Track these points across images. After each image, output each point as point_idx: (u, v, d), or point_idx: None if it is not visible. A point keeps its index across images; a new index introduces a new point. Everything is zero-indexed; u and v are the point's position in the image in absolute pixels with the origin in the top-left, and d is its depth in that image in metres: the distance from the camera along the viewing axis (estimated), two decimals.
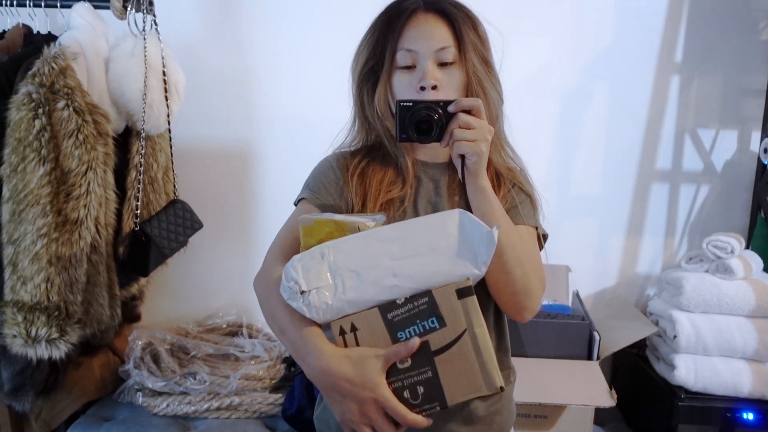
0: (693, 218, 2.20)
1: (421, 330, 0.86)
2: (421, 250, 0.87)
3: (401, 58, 1.01)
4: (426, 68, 1.00)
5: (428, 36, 1.02)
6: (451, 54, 1.02)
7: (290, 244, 0.99)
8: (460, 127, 0.93)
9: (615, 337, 1.86)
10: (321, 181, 1.07)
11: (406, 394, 0.86)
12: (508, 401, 1.12)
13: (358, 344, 0.87)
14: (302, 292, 0.86)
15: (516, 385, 1.73)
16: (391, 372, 0.86)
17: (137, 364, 1.84)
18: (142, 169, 1.73)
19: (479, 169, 0.94)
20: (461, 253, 0.86)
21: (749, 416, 1.71)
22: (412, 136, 0.95)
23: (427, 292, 0.86)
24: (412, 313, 0.86)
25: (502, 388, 0.85)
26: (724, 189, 2.18)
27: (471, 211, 0.93)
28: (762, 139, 2.09)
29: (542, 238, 1.10)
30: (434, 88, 1.00)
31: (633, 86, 2.14)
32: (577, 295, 2.07)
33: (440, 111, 0.94)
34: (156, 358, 1.87)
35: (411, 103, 0.95)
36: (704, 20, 2.10)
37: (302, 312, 0.87)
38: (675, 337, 1.76)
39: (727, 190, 2.17)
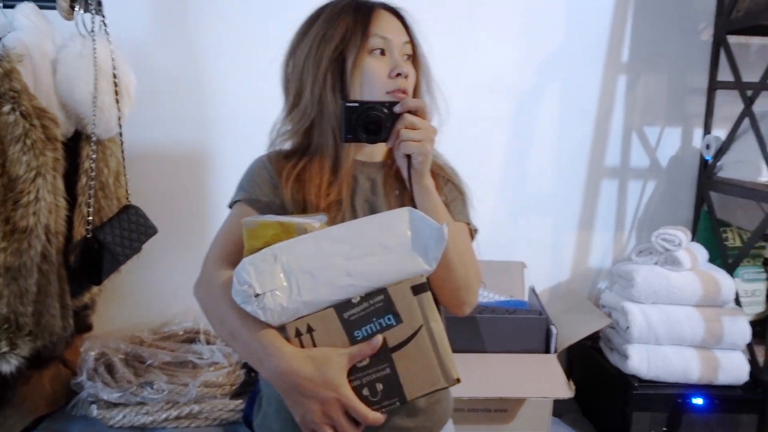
0: (641, 213, 2.28)
1: (378, 328, 0.87)
2: (374, 249, 0.87)
3: (375, 42, 1.03)
4: (399, 57, 1.03)
5: (397, 28, 1.06)
6: (410, 50, 1.07)
7: (231, 248, 0.98)
8: (406, 128, 0.94)
9: (571, 330, 1.91)
10: (256, 182, 1.06)
11: (366, 392, 0.87)
12: (446, 390, 1.15)
13: (315, 345, 0.87)
14: (256, 295, 0.85)
15: (477, 380, 1.77)
16: (351, 371, 0.86)
17: (90, 376, 1.78)
18: (93, 174, 1.68)
19: (425, 169, 0.97)
20: (413, 250, 0.87)
21: (698, 401, 1.79)
22: (360, 137, 0.96)
23: (383, 290, 0.87)
24: (368, 312, 0.87)
25: (458, 380, 0.87)
26: (669, 184, 2.27)
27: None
28: (704, 136, 2.18)
29: (473, 234, 1.14)
30: (406, 77, 1.03)
31: (583, 86, 2.21)
32: (533, 290, 2.12)
33: (386, 111, 0.96)
34: (110, 369, 1.82)
35: (357, 104, 0.96)
36: (648, 21, 2.18)
37: (257, 315, 0.86)
38: (628, 328, 1.82)
39: (673, 185, 2.26)
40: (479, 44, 2.15)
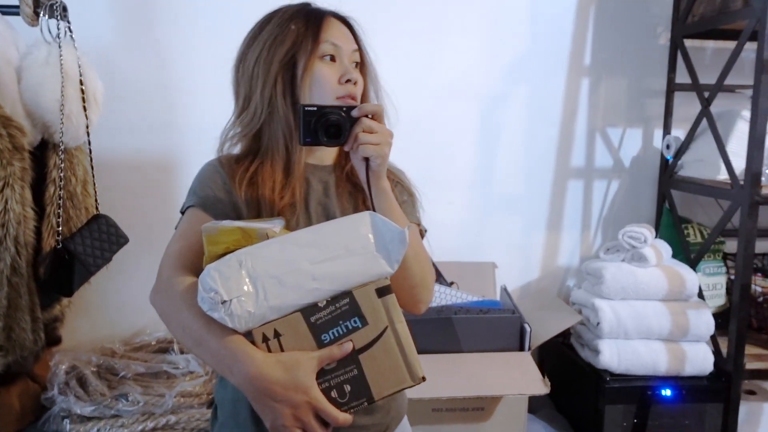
0: (606, 211, 2.35)
1: (345, 330, 0.88)
2: (338, 253, 0.88)
3: (326, 48, 1.05)
4: (348, 64, 1.06)
5: (346, 36, 1.08)
6: (359, 57, 1.09)
7: (187, 255, 0.98)
8: (364, 131, 0.96)
9: (543, 328, 1.95)
10: (209, 186, 1.05)
11: (334, 393, 0.88)
12: None
13: (282, 350, 0.87)
14: (223, 302, 0.84)
15: (454, 380, 1.79)
16: (319, 374, 0.87)
17: (62, 390, 1.73)
18: (62, 183, 1.64)
19: (382, 171, 0.99)
20: (376, 253, 0.89)
21: (667, 392, 1.85)
22: (321, 140, 0.98)
23: (348, 293, 0.88)
24: (334, 315, 0.88)
25: (424, 378, 0.89)
26: (632, 183, 2.34)
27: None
28: (664, 136, 2.26)
29: (423, 234, 1.16)
30: (355, 83, 1.06)
31: (548, 89, 2.26)
32: (505, 289, 2.16)
33: (344, 115, 0.98)
34: (82, 382, 1.78)
35: (315, 108, 0.97)
36: (609, 27, 2.25)
37: (224, 322, 0.85)
38: (598, 323, 1.87)
39: (635, 184, 2.34)
40: (447, 50, 2.19)
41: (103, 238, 1.72)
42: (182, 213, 1.08)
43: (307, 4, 1.11)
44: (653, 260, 1.91)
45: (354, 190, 1.11)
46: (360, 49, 1.10)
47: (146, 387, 1.78)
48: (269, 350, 0.87)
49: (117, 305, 2.11)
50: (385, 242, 0.89)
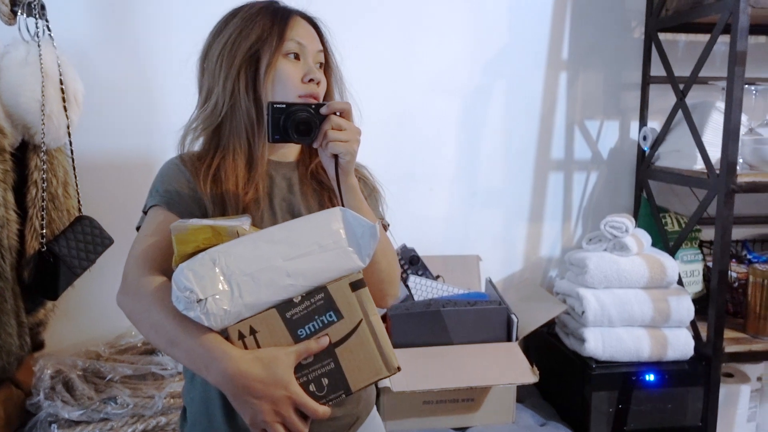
0: (585, 202, 2.39)
1: (320, 325, 0.89)
2: (311, 249, 0.89)
3: (290, 46, 1.06)
4: (312, 63, 1.07)
5: (312, 36, 1.10)
6: (323, 58, 1.12)
7: (154, 255, 0.97)
8: (332, 129, 0.98)
9: (529, 318, 1.98)
10: (172, 185, 1.05)
11: (312, 387, 0.89)
12: None
13: (259, 346, 0.88)
14: (198, 301, 0.84)
15: (444, 372, 1.81)
16: (296, 368, 0.88)
17: (48, 395, 1.70)
18: (44, 185, 1.61)
19: (351, 168, 1.01)
20: (348, 248, 0.90)
21: (650, 377, 1.90)
22: (291, 137, 0.99)
23: (323, 288, 0.89)
24: (309, 310, 0.89)
25: (399, 368, 0.91)
26: (610, 174, 2.39)
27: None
28: (640, 128, 2.31)
29: (386, 228, 1.18)
30: (318, 83, 1.07)
31: (527, 83, 2.29)
32: (490, 281, 2.18)
33: (313, 113, 0.99)
34: (69, 386, 1.75)
35: (284, 105, 0.99)
36: (585, 21, 2.29)
37: (200, 321, 0.85)
38: (583, 312, 1.91)
39: (613, 175, 2.39)
40: (427, 45, 2.20)
41: (87, 240, 1.70)
42: (144, 212, 1.07)
43: (275, 2, 1.12)
44: (635, 249, 1.96)
45: (319, 187, 1.12)
46: (325, 50, 1.12)
47: (134, 389, 1.76)
48: (245, 347, 0.88)
49: (101, 308, 2.08)
50: (356, 237, 0.91)
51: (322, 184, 1.12)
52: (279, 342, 0.88)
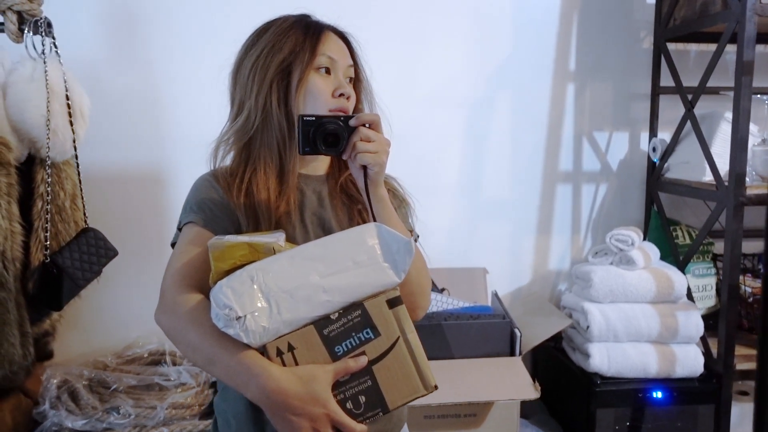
0: (595, 215, 2.36)
1: (358, 342, 0.89)
2: (347, 265, 0.89)
3: (322, 61, 1.06)
4: (342, 78, 1.08)
5: (343, 51, 1.10)
6: (353, 73, 1.12)
7: (190, 271, 0.98)
8: (361, 140, 0.98)
9: (534, 333, 1.95)
10: (205, 202, 1.05)
11: (349, 405, 0.89)
12: None
13: (296, 363, 0.88)
14: (238, 318, 0.85)
15: (446, 386, 1.79)
16: (334, 386, 0.88)
17: (54, 404, 1.74)
18: (49, 198, 1.65)
19: (380, 179, 1.01)
20: (383, 264, 0.90)
21: (658, 394, 1.85)
22: (319, 149, 0.99)
23: (360, 305, 0.89)
24: (347, 327, 0.89)
25: (436, 387, 0.90)
26: (620, 186, 2.35)
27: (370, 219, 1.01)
28: (650, 139, 2.27)
29: (415, 240, 1.17)
30: (348, 98, 1.07)
31: (533, 94, 2.28)
32: (495, 295, 2.16)
33: (342, 125, 0.99)
34: (74, 396, 1.78)
35: (314, 118, 0.99)
36: (593, 32, 2.27)
37: (239, 338, 0.86)
38: (588, 327, 1.88)
39: (623, 187, 2.35)
40: (432, 58, 2.21)
41: (91, 252, 1.73)
42: (179, 229, 1.07)
43: (307, 16, 1.12)
44: (641, 263, 1.92)
45: (348, 201, 1.12)
46: (356, 65, 1.12)
47: (138, 399, 1.78)
48: (284, 364, 0.88)
49: (109, 318, 2.12)
50: (392, 252, 0.91)
51: (352, 198, 1.12)
52: (316, 359, 0.88)
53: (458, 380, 1.79)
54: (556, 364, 2.09)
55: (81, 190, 1.80)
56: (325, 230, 1.08)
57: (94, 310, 2.07)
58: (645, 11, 2.27)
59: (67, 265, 1.66)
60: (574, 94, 2.30)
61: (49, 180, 1.66)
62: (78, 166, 1.78)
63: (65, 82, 1.66)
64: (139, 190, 2.09)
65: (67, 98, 1.67)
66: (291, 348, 0.88)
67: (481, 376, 1.81)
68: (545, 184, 2.32)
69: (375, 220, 1.00)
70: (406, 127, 2.22)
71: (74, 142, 1.71)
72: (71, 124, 1.69)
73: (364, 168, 0.99)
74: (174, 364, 1.98)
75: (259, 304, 0.86)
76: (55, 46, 1.68)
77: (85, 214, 1.80)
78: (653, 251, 2.01)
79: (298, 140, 1.00)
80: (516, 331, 1.87)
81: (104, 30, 2.04)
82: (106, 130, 2.00)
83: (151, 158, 2.09)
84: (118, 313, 2.11)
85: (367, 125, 1.00)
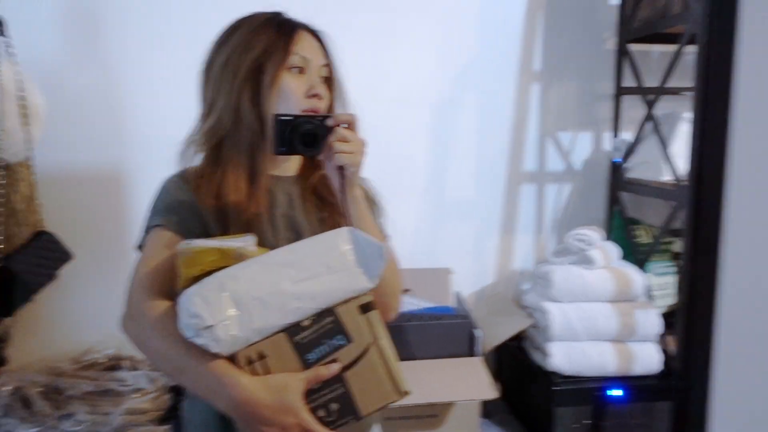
0: (559, 215, 2.37)
1: (330, 349, 0.88)
2: (319, 270, 0.88)
3: (295, 60, 1.04)
4: (316, 78, 1.06)
5: (316, 50, 1.08)
6: (327, 72, 1.09)
7: (158, 277, 0.95)
8: (338, 141, 0.97)
9: (496, 333, 1.96)
10: (174, 204, 1.02)
11: (322, 412, 0.88)
12: None
13: (267, 371, 0.87)
14: (207, 327, 0.83)
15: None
16: (306, 394, 0.87)
17: (5, 412, 1.70)
18: (2, 200, 1.62)
19: (356, 180, 1.00)
20: (356, 269, 0.89)
21: (617, 392, 1.87)
22: (296, 149, 0.98)
23: (332, 311, 0.88)
24: (318, 333, 0.88)
25: (408, 392, 0.90)
26: (584, 186, 2.37)
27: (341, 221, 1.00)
28: (613, 139, 2.29)
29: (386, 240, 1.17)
30: (321, 98, 1.06)
31: (498, 94, 2.29)
32: (459, 295, 2.16)
33: (319, 125, 0.99)
34: (27, 403, 1.74)
35: (291, 117, 0.98)
36: (557, 32, 2.28)
37: (208, 348, 0.84)
38: (548, 326, 1.89)
39: (587, 187, 2.37)
40: (398, 58, 2.20)
41: (45, 255, 1.70)
42: (146, 233, 1.03)
43: (279, 14, 1.10)
44: (601, 262, 1.94)
45: (320, 203, 1.10)
46: (329, 65, 1.10)
47: (94, 406, 1.75)
48: (254, 372, 0.87)
49: (66, 323, 2.08)
50: (365, 257, 0.90)
51: (324, 199, 1.10)
52: (287, 367, 0.87)
53: (419, 381, 1.79)
54: (518, 363, 2.10)
55: (37, 192, 1.76)
56: (296, 232, 1.06)
57: (52, 314, 2.03)
58: (609, 12, 2.29)
59: (20, 269, 1.63)
60: (539, 94, 2.31)
61: (3, 182, 1.63)
62: (34, 168, 1.75)
63: (19, 81, 1.63)
64: (97, 192, 2.06)
65: (22, 99, 1.64)
66: (262, 356, 0.87)
67: (442, 377, 1.81)
68: (510, 185, 2.33)
69: (350, 222, 0.99)
70: (372, 127, 2.21)
71: (29, 143, 1.68)
72: (26, 124, 1.65)
73: (341, 168, 0.98)
74: (134, 369, 1.95)
75: (229, 313, 0.84)
76: (9, 45, 1.64)
77: (40, 216, 1.77)
78: (613, 251, 2.02)
79: (275, 140, 0.99)
80: (476, 331, 1.87)
81: (62, 29, 2.00)
82: (64, 131, 1.97)
83: (110, 159, 2.06)
84: (76, 318, 2.08)
85: (344, 125, 0.99)
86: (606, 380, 1.88)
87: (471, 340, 1.88)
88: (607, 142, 2.35)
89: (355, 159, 0.98)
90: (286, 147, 0.99)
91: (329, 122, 0.99)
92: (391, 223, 2.38)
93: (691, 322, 1.85)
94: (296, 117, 0.98)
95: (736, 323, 1.83)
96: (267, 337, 0.87)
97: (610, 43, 2.32)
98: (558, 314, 1.88)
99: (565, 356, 1.87)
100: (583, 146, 2.36)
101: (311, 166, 1.12)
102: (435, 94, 2.25)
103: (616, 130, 2.30)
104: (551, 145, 2.34)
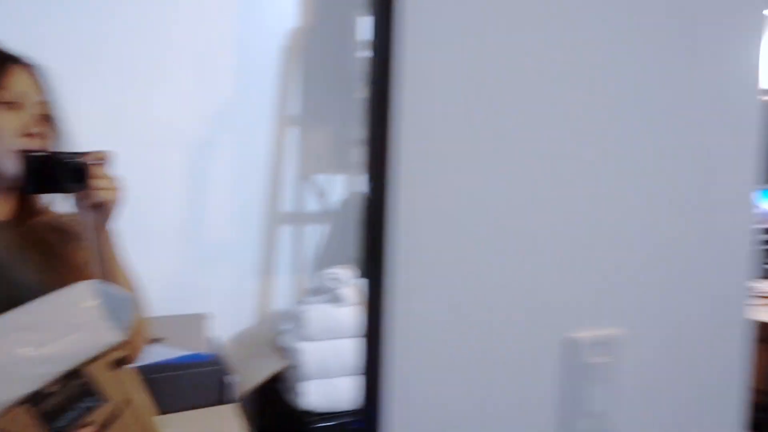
0: (318, 254, 2.44)
1: (82, 412, 0.83)
2: (63, 331, 0.82)
3: (4, 96, 0.96)
4: (31, 116, 0.98)
5: (32, 85, 1.01)
6: (46, 109, 1.02)
7: None
8: (97, 177, 0.95)
9: (252, 376, 1.94)
10: None
11: None
12: None
13: None
14: None
15: None
16: None
17: None
18: None
19: (112, 217, 0.98)
20: (104, 323, 0.85)
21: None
22: (61, 187, 0.95)
23: (80, 372, 0.83)
24: (68, 397, 0.82)
25: None
26: (341, 226, 2.48)
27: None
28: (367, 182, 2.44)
29: None
30: (39, 137, 0.99)
31: (256, 137, 2.31)
32: (215, 340, 2.10)
33: (74, 162, 0.96)
34: None
35: (45, 154, 0.94)
36: (314, 80, 2.39)
37: None
38: (302, 366, 1.91)
39: (343, 227, 2.48)
40: (150, 97, 2.12)
41: None
42: None
43: None
44: (351, 299, 2.02)
45: (44, 248, 1.00)
46: (48, 101, 1.02)
47: None
48: None
49: None
50: (113, 310, 0.86)
51: (51, 245, 1.02)
52: None
53: None
54: (277, 405, 2.09)
55: None
56: (17, 288, 0.93)
57: None
58: (358, 65, 2.45)
59: None
60: (298, 138, 2.38)
61: None
62: None
63: None
64: None
65: None
66: None
67: (190, 430, 1.72)
68: (269, 226, 2.35)
69: (100, 266, 0.96)
70: (122, 168, 2.09)
71: None
72: None
73: (97, 206, 0.95)
74: None
75: None
76: None
77: None
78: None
79: (27, 178, 0.92)
80: (228, 377, 1.83)
81: None
82: None
83: None
84: None
85: (97, 161, 0.96)
86: (357, 413, 1.94)
87: (221, 387, 1.83)
88: (361, 184, 2.49)
89: (113, 195, 0.97)
90: (46, 185, 0.94)
91: (84, 160, 0.96)
92: (143, 270, 2.25)
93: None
94: (50, 155, 0.95)
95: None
96: (6, 413, 0.79)
97: (361, 93, 2.48)
98: (312, 352, 1.92)
99: (320, 393, 1.91)
100: (339, 188, 2.48)
101: (28, 208, 1.03)
102: (190, 136, 2.20)
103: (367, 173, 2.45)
104: (308, 187, 2.42)
